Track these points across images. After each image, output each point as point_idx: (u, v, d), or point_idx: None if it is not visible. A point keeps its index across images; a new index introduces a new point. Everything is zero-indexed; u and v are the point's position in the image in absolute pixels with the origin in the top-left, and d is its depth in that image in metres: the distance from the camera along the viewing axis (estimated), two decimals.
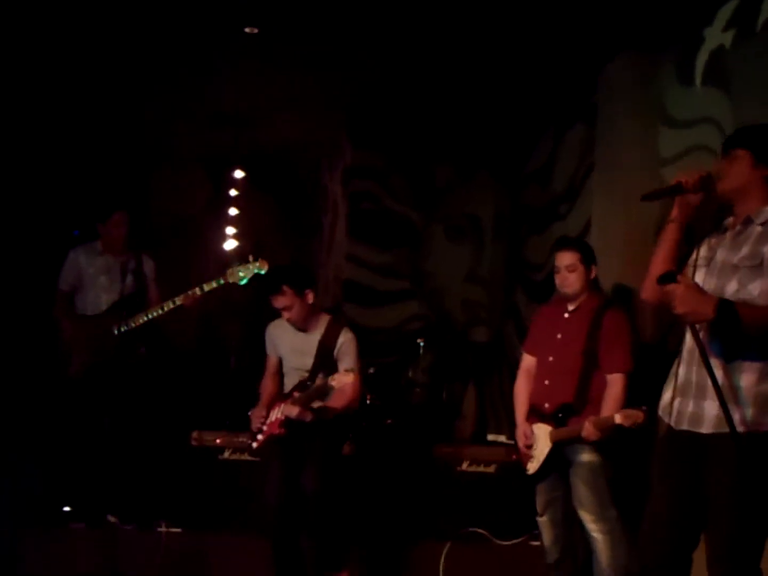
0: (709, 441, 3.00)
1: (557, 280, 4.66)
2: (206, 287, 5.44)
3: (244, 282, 5.38)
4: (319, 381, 4.94)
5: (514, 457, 5.88)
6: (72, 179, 7.60)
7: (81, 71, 6.80)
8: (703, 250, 3.20)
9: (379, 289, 8.00)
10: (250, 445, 5.11)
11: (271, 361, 5.24)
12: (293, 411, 4.88)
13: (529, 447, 4.67)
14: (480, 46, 6.18)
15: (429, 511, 5.74)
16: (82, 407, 5.55)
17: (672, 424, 3.14)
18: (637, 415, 4.13)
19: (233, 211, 9.41)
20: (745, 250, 3.04)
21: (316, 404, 4.93)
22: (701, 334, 3.01)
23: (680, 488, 3.10)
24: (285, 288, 4.91)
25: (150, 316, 5.53)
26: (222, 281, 5.41)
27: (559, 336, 4.68)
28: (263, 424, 5.03)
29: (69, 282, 5.79)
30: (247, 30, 6.10)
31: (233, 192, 9.40)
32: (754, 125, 3.31)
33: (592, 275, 4.65)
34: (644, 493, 4.76)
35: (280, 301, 4.95)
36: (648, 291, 3.25)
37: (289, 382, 5.13)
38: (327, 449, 4.98)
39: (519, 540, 5.61)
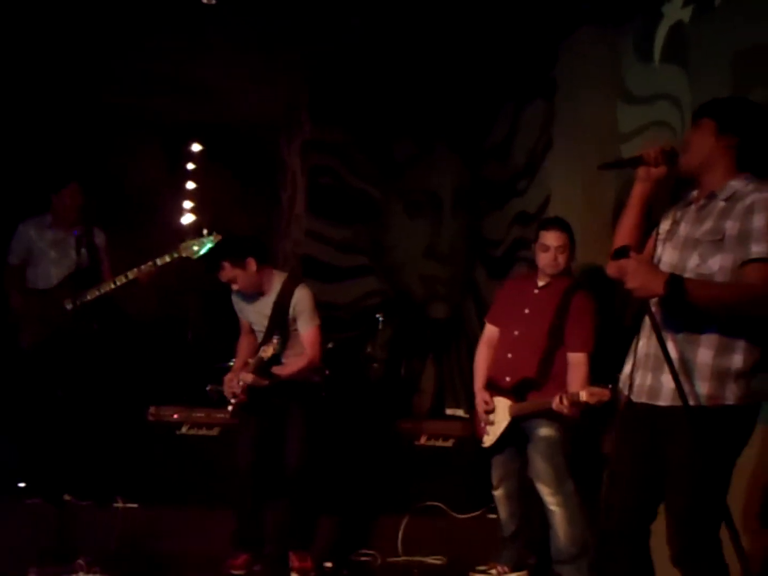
0: (666, 413, 3.03)
1: (544, 259, 4.64)
2: (159, 261, 5.39)
3: (197, 256, 5.36)
4: (298, 362, 4.99)
5: (471, 432, 5.95)
6: (25, 150, 7.47)
7: (38, 39, 6.70)
8: (667, 224, 3.22)
9: (337, 264, 7.97)
10: (228, 409, 5.15)
11: (243, 323, 5.30)
12: (248, 378, 4.94)
13: (490, 412, 4.69)
14: (440, 20, 6.17)
15: (387, 485, 5.76)
16: (35, 381, 5.48)
17: (631, 396, 3.16)
18: (603, 393, 4.15)
19: (191, 185, 9.33)
20: (707, 225, 3.05)
21: (277, 369, 4.96)
22: (662, 309, 3.03)
23: (639, 460, 3.13)
24: (222, 263, 4.95)
25: (103, 291, 5.46)
26: (176, 254, 5.37)
27: (526, 311, 4.70)
28: (232, 391, 5.06)
29: (19, 256, 5.71)
30: (204, 1, 6.03)
31: (191, 166, 9.32)
32: (725, 97, 3.32)
33: (573, 256, 4.71)
34: (600, 467, 4.83)
35: (223, 276, 5.00)
36: (612, 267, 3.25)
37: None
38: (307, 425, 5.00)
39: (476, 513, 5.66)
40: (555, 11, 5.74)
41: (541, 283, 4.71)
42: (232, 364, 6.69)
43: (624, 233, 3.24)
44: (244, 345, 5.29)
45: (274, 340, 4.82)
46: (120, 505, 5.32)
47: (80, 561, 4.72)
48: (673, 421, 2.97)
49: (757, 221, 2.93)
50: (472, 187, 7.77)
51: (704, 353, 2.98)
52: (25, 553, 4.79)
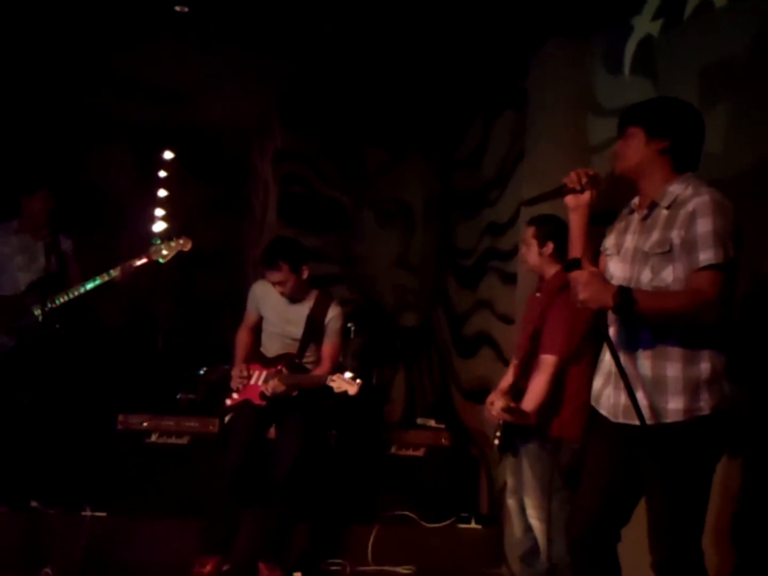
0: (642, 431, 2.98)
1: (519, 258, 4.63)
2: (129, 264, 5.36)
3: (165, 260, 5.35)
4: (317, 371, 5.05)
5: (443, 441, 5.97)
6: None
7: (9, 43, 6.65)
8: (612, 237, 3.23)
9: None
10: (223, 403, 5.17)
11: (251, 317, 5.30)
12: (279, 387, 4.94)
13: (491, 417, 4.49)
14: (412, 30, 6.18)
15: (358, 494, 5.77)
16: (1, 388, 5.42)
17: (606, 415, 3.15)
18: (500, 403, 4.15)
19: (162, 193, 9.31)
20: (654, 237, 3.04)
21: (301, 379, 5.02)
22: (627, 326, 3.04)
23: (612, 470, 3.13)
24: (282, 264, 4.97)
25: (71, 295, 5.41)
26: (145, 258, 5.35)
27: (526, 315, 4.59)
28: (243, 383, 5.09)
29: None
30: (177, 8, 6.02)
31: (162, 173, 9.29)
32: (646, 100, 3.30)
33: (549, 251, 4.43)
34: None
35: (275, 276, 5.02)
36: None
37: (271, 345, 5.20)
38: (304, 436, 5.04)
39: (446, 523, 5.68)
40: (526, 23, 5.77)
41: (540, 286, 4.56)
42: (203, 372, 6.73)
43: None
44: (245, 339, 5.30)
45: (340, 344, 5.18)
46: (88, 513, 5.28)
47: (47, 569, 4.70)
48: (651, 437, 2.95)
49: (701, 227, 2.92)
50: (444, 197, 7.80)
51: (673, 367, 2.98)
52: None
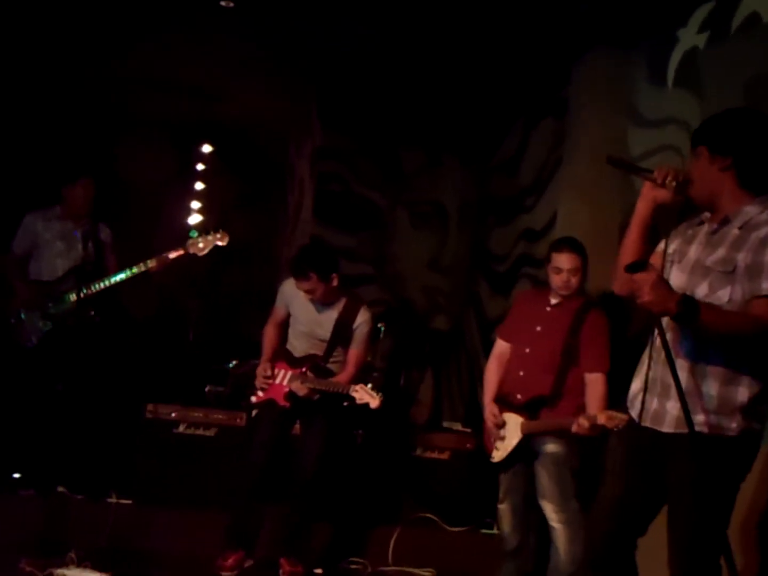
0: (669, 440, 3.01)
1: (557, 281, 4.63)
2: (166, 256, 5.41)
3: (201, 253, 5.40)
4: (341, 376, 5.08)
5: (468, 446, 5.94)
6: (36, 145, 7.50)
7: (50, 37, 6.73)
8: (676, 243, 3.17)
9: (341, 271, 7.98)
10: (249, 398, 5.23)
11: (279, 313, 5.33)
12: (301, 390, 4.98)
13: (500, 427, 4.66)
14: (455, 34, 6.19)
15: (381, 495, 5.76)
16: (35, 374, 5.47)
17: (635, 418, 3.15)
18: (621, 418, 4.09)
19: (199, 186, 9.37)
20: (719, 253, 2.99)
21: (324, 384, 5.02)
22: (670, 335, 3.00)
23: (635, 478, 3.12)
24: (311, 274, 4.98)
25: (106, 284, 5.46)
26: (182, 251, 5.40)
27: (538, 328, 4.66)
28: (267, 382, 5.13)
29: (23, 246, 5.68)
30: (222, 3, 6.06)
31: (200, 166, 9.36)
32: (712, 116, 3.19)
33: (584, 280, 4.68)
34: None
35: (304, 285, 5.03)
36: (619, 285, 3.22)
37: (298, 344, 5.23)
38: (327, 436, 5.06)
39: (468, 527, 5.67)
40: (569, 31, 5.76)
41: (553, 301, 4.68)
42: (232, 365, 6.76)
43: (626, 252, 3.18)
44: (272, 335, 5.31)
45: (366, 350, 5.20)
46: (113, 500, 5.32)
47: (71, 554, 4.72)
48: (677, 447, 2.96)
49: None
50: (479, 201, 7.79)
51: (710, 384, 2.96)
52: (16, 545, 4.79)
